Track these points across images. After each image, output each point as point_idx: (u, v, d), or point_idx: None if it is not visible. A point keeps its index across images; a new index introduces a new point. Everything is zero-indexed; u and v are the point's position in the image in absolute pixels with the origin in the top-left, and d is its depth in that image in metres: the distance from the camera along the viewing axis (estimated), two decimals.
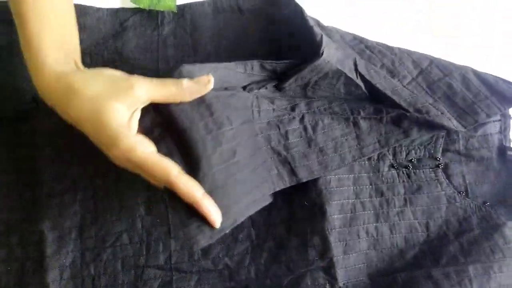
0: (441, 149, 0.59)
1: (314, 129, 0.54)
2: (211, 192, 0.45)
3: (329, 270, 0.54)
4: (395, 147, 0.58)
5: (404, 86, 0.58)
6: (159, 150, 0.45)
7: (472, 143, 0.60)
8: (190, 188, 0.43)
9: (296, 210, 0.56)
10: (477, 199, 0.58)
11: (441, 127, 0.54)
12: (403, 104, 0.56)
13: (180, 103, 0.46)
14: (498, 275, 0.52)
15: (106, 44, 0.61)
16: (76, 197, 0.56)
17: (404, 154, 0.58)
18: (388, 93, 0.56)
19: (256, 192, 0.49)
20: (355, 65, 0.56)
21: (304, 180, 0.52)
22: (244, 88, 0.54)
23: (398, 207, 0.57)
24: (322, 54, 0.51)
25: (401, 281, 0.53)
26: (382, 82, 0.57)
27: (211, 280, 0.55)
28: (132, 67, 0.60)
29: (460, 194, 0.58)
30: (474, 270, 0.52)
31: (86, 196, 0.56)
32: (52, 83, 0.45)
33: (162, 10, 0.62)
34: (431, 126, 0.55)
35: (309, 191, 0.56)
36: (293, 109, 0.55)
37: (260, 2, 0.63)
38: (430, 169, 0.58)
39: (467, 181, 0.59)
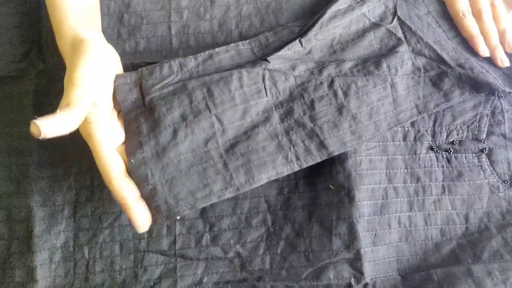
0: (486, 129, 0.51)
1: (346, 93, 0.47)
2: (172, 178, 0.44)
3: (356, 263, 0.47)
4: (434, 126, 0.51)
5: (449, 39, 0.52)
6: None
7: None
8: (124, 191, 0.43)
9: (320, 194, 0.49)
10: None
11: (486, 85, 0.48)
12: (445, 56, 0.50)
13: (164, 90, 0.46)
14: None
15: None
16: (70, 169, 0.50)
17: (444, 135, 0.51)
18: (430, 42, 0.50)
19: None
20: (395, 8, 0.51)
21: (336, 153, 0.46)
22: (255, 62, 0.48)
23: (435, 195, 0.50)
24: None
25: (437, 278, 0.46)
26: (425, 29, 0.52)
27: (220, 269, 0.49)
28: (140, 20, 0.53)
29: (505, 183, 0.51)
30: None
31: (82, 169, 0.50)
32: (69, 45, 0.46)
33: None
34: (475, 85, 0.48)
35: (336, 173, 0.48)
36: (320, 72, 0.48)
37: None
38: (473, 154, 0.51)
39: None
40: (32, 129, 0.37)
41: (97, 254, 0.49)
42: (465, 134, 0.51)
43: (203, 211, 0.49)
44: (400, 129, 0.51)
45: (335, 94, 0.47)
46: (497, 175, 0.51)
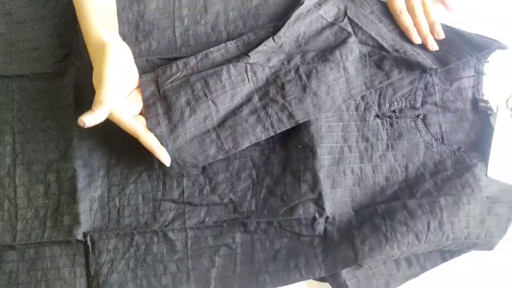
0: (420, 100, 0.67)
1: (308, 76, 0.63)
2: (181, 147, 0.62)
3: (319, 202, 0.62)
4: (379, 98, 0.66)
5: (389, 31, 0.68)
6: (150, 112, 0.63)
7: (448, 96, 0.67)
8: (150, 140, 0.61)
9: (291, 152, 0.65)
10: (452, 145, 0.66)
11: (417, 64, 0.63)
12: (385, 44, 0.65)
13: (173, 83, 0.64)
14: (467, 207, 0.60)
15: (131, 7, 0.69)
16: (102, 141, 0.65)
17: (388, 105, 0.66)
18: (373, 34, 0.65)
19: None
20: (345, 10, 0.67)
21: (301, 121, 0.62)
22: (239, 57, 0.65)
23: (381, 151, 0.65)
24: (303, 3, 0.65)
25: (381, 211, 0.62)
26: (369, 25, 0.67)
27: (218, 212, 0.64)
28: (152, 27, 0.68)
29: (437, 141, 0.66)
30: (445, 201, 0.60)
31: (112, 139, 0.65)
32: (94, 46, 0.61)
33: None
34: (409, 65, 0.63)
35: (302, 136, 0.64)
36: (289, 61, 0.64)
37: None
38: (411, 119, 0.66)
39: (443, 130, 0.67)
40: (79, 122, 0.57)
41: (125, 203, 0.64)
42: (403, 104, 0.66)
43: (204, 169, 0.65)
44: (352, 102, 0.66)
45: (300, 78, 0.63)
46: (431, 134, 0.66)
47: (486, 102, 0.66)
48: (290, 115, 0.62)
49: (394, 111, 0.67)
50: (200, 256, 0.63)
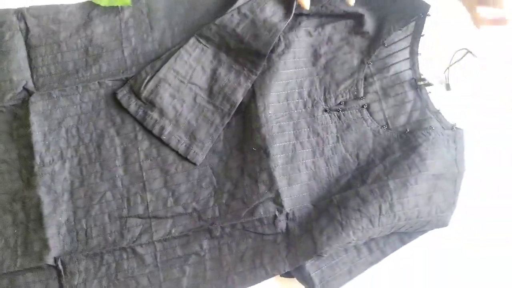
0: (362, 90, 0.69)
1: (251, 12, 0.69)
2: (192, 132, 0.68)
3: (277, 200, 0.64)
4: (325, 94, 0.69)
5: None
6: (148, 122, 0.68)
7: (387, 83, 0.70)
8: None
9: (247, 155, 0.67)
10: (397, 129, 0.69)
11: (344, 13, 0.70)
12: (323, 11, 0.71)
13: (148, 87, 0.68)
14: (414, 187, 0.62)
15: (78, 33, 0.70)
16: (64, 166, 0.67)
17: (333, 99, 0.69)
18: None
19: None
20: None
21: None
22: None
23: (331, 144, 0.68)
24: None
25: (336, 201, 0.64)
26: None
27: (183, 222, 0.66)
28: (101, 50, 0.70)
29: (383, 127, 0.69)
30: (394, 184, 0.62)
31: (73, 164, 0.67)
32: None
33: (119, 5, 0.71)
34: (338, 15, 0.70)
35: (255, 138, 0.66)
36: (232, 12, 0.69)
37: None
38: (356, 110, 0.69)
39: (387, 115, 0.69)
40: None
41: (92, 224, 0.66)
42: (348, 96, 0.69)
43: (166, 182, 0.67)
44: (300, 100, 0.68)
45: (245, 16, 0.68)
46: (376, 122, 0.69)
47: (424, 79, 0.69)
48: (258, 53, 0.67)
49: (340, 104, 0.69)
50: (170, 267, 0.64)
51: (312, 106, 0.69)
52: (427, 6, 0.67)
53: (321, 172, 0.67)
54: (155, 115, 0.67)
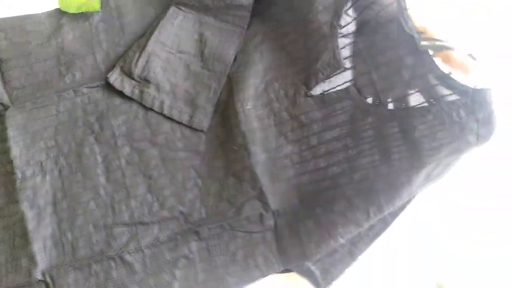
0: (342, 60, 0.61)
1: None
2: (192, 100, 0.68)
3: (262, 198, 0.63)
4: (305, 76, 0.64)
5: None
6: (147, 100, 0.68)
7: (377, 49, 0.61)
8: None
9: (229, 154, 0.65)
10: (392, 104, 0.61)
11: None
12: None
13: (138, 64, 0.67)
14: (406, 188, 0.59)
15: (49, 42, 0.69)
16: (45, 178, 0.66)
17: (314, 80, 0.64)
18: None
19: None
20: None
21: None
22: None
23: (317, 131, 0.64)
24: None
25: (323, 201, 0.62)
26: None
27: (170, 226, 0.65)
28: (73, 57, 0.68)
29: (375, 104, 0.61)
30: (382, 185, 0.60)
31: (54, 176, 0.66)
32: None
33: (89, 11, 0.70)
34: None
35: (236, 136, 0.65)
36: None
37: None
38: (341, 88, 0.63)
39: (379, 89, 0.61)
40: None
41: (77, 235, 0.65)
42: (328, 71, 0.63)
43: (149, 187, 0.66)
44: (281, 90, 0.66)
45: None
46: (365, 99, 0.62)
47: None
48: (240, 5, 0.65)
49: (323, 83, 0.64)
50: (160, 272, 0.64)
51: (294, 93, 0.65)
52: None
53: (308, 165, 0.64)
54: (152, 91, 0.66)
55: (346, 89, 0.63)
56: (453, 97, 0.57)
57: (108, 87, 0.67)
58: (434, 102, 0.57)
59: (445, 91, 0.57)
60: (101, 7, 0.70)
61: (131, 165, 0.66)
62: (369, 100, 0.63)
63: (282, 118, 0.65)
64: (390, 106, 0.61)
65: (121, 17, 0.70)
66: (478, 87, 0.56)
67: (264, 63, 0.67)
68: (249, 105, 0.65)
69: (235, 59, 0.68)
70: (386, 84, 0.60)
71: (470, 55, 0.58)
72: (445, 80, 0.57)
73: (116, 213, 0.65)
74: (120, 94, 0.67)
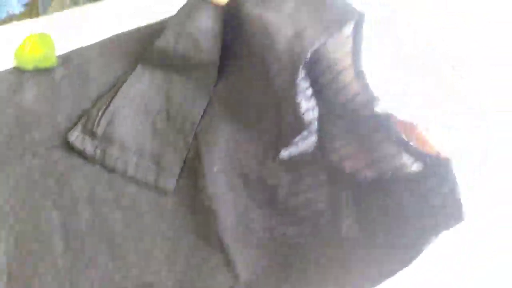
0: (303, 118, 0.56)
1: None
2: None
3: (231, 266, 0.58)
4: (274, 139, 0.60)
5: None
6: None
7: (337, 107, 0.56)
8: None
9: (197, 218, 0.61)
10: (356, 174, 0.55)
11: None
12: None
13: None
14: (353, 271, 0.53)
15: (8, 102, 0.65)
16: (0, 247, 0.61)
17: (283, 139, 0.58)
18: None
19: None
20: None
21: None
22: None
23: (284, 196, 0.59)
24: None
25: (294, 271, 0.56)
26: None
27: None
28: (33, 117, 0.65)
29: (338, 171, 0.56)
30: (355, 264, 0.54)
31: (9, 246, 0.61)
32: None
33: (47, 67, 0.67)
34: None
35: (203, 199, 0.60)
36: None
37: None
38: (307, 150, 0.57)
39: (342, 155, 0.56)
40: None
41: None
42: (294, 134, 0.57)
43: (112, 255, 0.60)
44: (251, 149, 0.61)
45: None
46: (329, 164, 0.56)
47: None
48: (206, 63, 0.64)
49: (290, 146, 0.58)
50: None
51: (263, 156, 0.61)
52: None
53: (277, 231, 0.59)
54: (115, 151, 0.63)
55: (313, 152, 0.58)
56: (415, 167, 0.50)
57: (69, 147, 0.63)
58: (396, 173, 0.51)
59: (407, 160, 0.50)
60: (62, 63, 0.67)
61: (92, 231, 0.61)
62: (334, 165, 0.57)
63: (251, 181, 0.61)
64: (355, 175, 0.55)
65: (85, 73, 0.67)
66: (442, 156, 0.49)
67: (232, 123, 0.63)
68: (217, 167, 0.61)
69: (202, 118, 0.64)
70: (351, 149, 0.56)
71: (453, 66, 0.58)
72: (406, 147, 0.51)
73: (74, 285, 0.60)
74: (82, 154, 0.63)
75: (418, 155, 0.50)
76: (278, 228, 0.59)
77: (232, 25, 0.64)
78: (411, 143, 0.51)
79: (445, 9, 0.70)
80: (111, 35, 0.71)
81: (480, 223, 0.60)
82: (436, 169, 0.48)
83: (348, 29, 0.55)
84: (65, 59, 0.68)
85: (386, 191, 0.52)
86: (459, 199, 0.46)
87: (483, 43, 0.67)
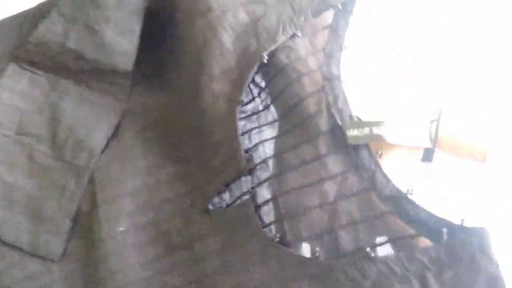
0: (243, 162, 0.39)
1: None
2: None
3: None
4: (203, 181, 0.41)
5: None
6: None
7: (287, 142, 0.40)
8: None
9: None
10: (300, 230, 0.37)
11: None
12: None
13: None
14: None
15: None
16: None
17: (212, 188, 0.41)
18: None
19: None
20: None
21: None
22: None
23: (214, 271, 0.38)
24: None
25: None
26: None
27: None
28: None
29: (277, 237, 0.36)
30: None
31: None
32: None
33: None
34: None
35: (102, 276, 0.40)
36: None
37: None
38: (241, 203, 0.39)
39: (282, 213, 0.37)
40: None
41: None
42: (229, 174, 0.39)
43: None
44: (159, 209, 0.42)
45: None
46: (266, 223, 0.38)
47: (359, 125, 0.36)
48: (115, 70, 0.45)
49: (223, 191, 0.41)
50: None
51: (189, 207, 0.41)
52: None
53: None
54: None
55: (247, 206, 0.38)
56: (418, 242, 0.31)
57: None
58: (376, 253, 0.32)
59: (402, 227, 0.32)
60: None
61: None
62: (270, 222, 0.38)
63: (172, 245, 0.40)
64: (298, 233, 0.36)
65: None
66: (465, 221, 0.29)
67: (148, 158, 0.44)
68: (122, 226, 0.41)
69: (104, 149, 0.45)
70: (295, 199, 0.37)
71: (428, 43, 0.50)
72: (401, 203, 0.33)
73: None
74: None
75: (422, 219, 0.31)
76: None
77: (160, 6, 0.47)
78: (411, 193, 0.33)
79: None
80: None
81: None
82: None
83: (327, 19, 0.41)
84: None
85: None
86: None
87: (459, 19, 0.58)
